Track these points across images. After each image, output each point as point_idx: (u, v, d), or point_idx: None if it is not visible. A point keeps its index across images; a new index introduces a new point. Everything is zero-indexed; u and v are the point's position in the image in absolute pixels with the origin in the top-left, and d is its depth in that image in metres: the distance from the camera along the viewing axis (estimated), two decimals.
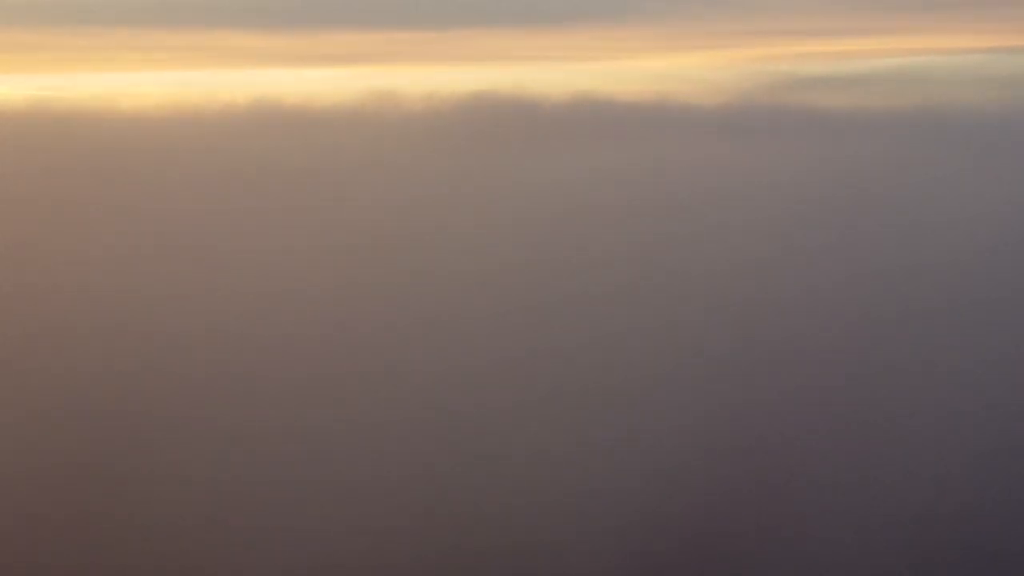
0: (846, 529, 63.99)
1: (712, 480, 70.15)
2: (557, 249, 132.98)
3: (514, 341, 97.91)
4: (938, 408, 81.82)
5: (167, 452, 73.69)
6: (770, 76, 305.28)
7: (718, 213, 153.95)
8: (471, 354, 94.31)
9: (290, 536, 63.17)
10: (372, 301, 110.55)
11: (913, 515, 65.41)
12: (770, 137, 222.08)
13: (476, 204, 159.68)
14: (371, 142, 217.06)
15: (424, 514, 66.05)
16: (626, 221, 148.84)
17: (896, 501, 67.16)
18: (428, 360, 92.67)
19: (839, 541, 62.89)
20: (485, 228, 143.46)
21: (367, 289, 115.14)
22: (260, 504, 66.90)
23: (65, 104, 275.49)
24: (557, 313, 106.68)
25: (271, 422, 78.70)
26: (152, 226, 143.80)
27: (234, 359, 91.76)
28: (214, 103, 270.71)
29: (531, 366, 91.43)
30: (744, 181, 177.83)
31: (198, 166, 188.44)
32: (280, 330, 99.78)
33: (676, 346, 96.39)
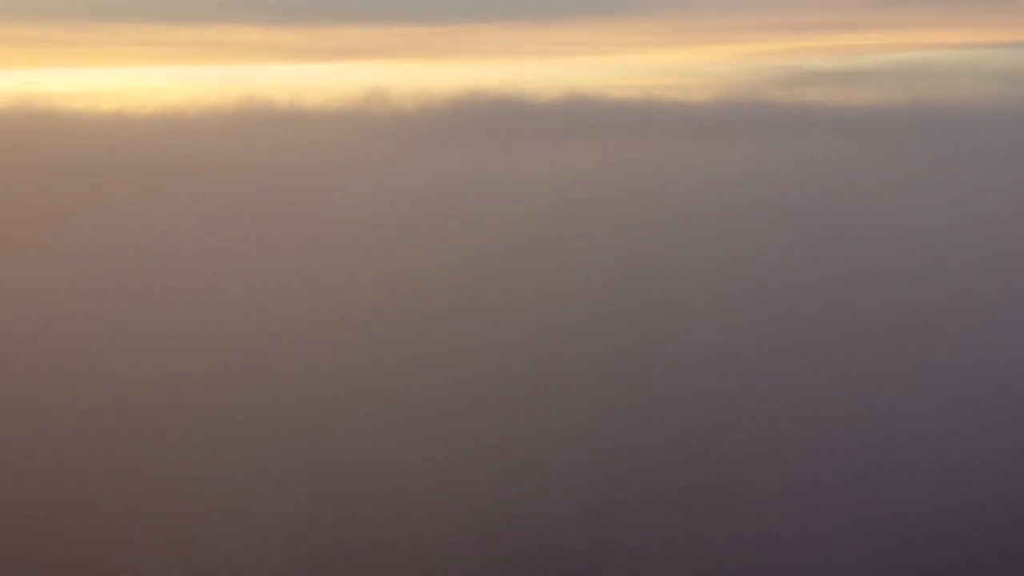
0: (833, 529, 63.50)
1: (706, 475, 70.36)
2: (550, 245, 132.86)
3: (509, 335, 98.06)
4: (926, 408, 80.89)
5: (162, 449, 73.62)
6: (768, 71, 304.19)
7: (713, 210, 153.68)
8: (466, 348, 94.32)
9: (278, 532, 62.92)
10: (363, 298, 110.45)
11: (900, 515, 65.02)
12: (768, 133, 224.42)
13: (467, 200, 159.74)
14: (362, 138, 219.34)
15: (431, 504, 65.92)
16: (620, 218, 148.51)
17: (884, 501, 66.73)
18: (422, 355, 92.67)
19: (829, 541, 62.39)
20: (475, 224, 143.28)
21: (358, 285, 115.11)
22: (253, 500, 66.74)
23: (59, 99, 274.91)
24: (547, 308, 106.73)
25: (269, 418, 78.69)
26: (140, 222, 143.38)
27: (225, 357, 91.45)
28: (205, 98, 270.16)
29: (526, 359, 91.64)
30: (741, 178, 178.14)
31: (188, 162, 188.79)
32: (272, 327, 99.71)
33: (672, 339, 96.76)
